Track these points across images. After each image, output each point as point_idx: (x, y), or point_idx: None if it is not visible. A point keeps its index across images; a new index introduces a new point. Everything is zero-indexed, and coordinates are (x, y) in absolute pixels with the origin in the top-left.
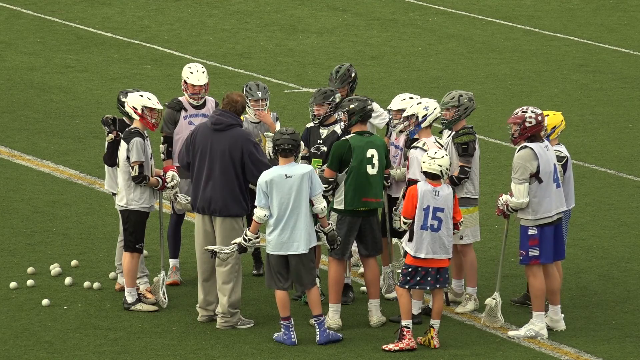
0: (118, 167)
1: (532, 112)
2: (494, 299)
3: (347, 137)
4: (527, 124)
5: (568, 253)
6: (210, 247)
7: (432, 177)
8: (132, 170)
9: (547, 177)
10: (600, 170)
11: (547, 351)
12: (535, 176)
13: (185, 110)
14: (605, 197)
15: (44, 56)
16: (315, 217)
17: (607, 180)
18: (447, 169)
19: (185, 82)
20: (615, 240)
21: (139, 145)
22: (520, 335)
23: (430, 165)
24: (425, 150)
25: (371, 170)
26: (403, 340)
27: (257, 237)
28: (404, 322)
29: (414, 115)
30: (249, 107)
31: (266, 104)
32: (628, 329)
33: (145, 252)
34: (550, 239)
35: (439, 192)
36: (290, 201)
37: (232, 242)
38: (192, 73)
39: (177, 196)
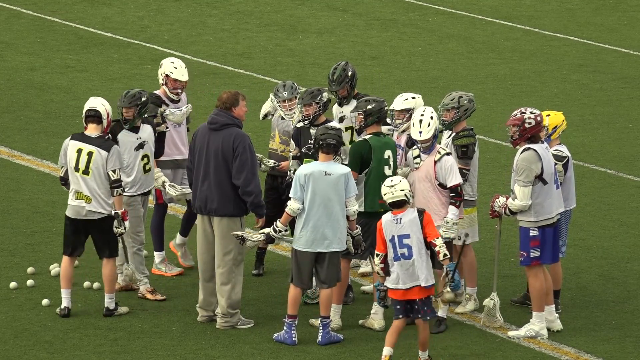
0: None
1: (531, 112)
2: (491, 299)
3: (366, 137)
4: (526, 125)
5: (568, 253)
6: (239, 233)
7: (398, 205)
8: (114, 174)
9: (550, 178)
10: (600, 170)
11: (547, 351)
12: (540, 177)
13: (167, 105)
14: (605, 197)
15: (44, 56)
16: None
17: (607, 180)
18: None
19: (167, 76)
20: (615, 240)
21: (118, 152)
22: (521, 336)
23: (392, 194)
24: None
25: (388, 172)
26: None
27: (286, 229)
28: (385, 351)
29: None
30: (279, 107)
31: (295, 105)
32: (628, 329)
33: (145, 252)
34: (550, 239)
35: (400, 219)
36: (325, 199)
37: (261, 231)
38: (176, 68)
39: (165, 186)
